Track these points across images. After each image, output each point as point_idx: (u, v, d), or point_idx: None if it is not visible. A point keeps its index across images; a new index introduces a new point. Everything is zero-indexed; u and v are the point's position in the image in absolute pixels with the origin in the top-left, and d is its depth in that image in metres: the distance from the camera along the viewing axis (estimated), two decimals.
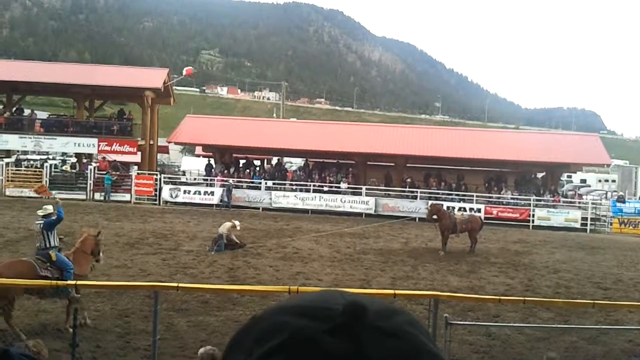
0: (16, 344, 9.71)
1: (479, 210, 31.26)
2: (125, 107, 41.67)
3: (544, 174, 38.57)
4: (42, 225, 11.09)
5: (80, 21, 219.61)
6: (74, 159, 41.38)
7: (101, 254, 12.10)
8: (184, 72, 42.64)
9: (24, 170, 36.50)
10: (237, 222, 21.21)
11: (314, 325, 0.76)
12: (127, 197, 34.19)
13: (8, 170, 34.57)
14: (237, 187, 34.49)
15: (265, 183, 34.68)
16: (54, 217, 11.22)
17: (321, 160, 38.26)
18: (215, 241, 20.09)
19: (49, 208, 11.40)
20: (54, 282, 9.57)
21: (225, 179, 35.00)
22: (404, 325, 0.81)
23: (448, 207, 26.29)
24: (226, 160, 38.32)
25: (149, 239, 21.51)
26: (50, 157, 46.43)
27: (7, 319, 10.14)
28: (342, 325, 0.76)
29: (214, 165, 37.46)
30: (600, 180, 52.84)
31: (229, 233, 20.31)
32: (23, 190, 33.52)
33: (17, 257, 16.56)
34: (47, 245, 11.01)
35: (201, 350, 6.65)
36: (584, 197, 37.95)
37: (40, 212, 11.39)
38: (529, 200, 33.17)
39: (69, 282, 10.33)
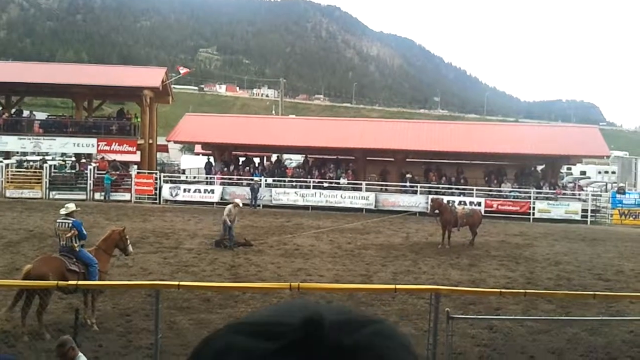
0: (18, 345, 9.73)
1: (479, 204, 31.31)
2: (124, 106, 41.66)
3: (543, 166, 38.57)
4: (69, 225, 11.22)
5: (78, 21, 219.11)
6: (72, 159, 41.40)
7: (130, 247, 12.30)
8: (181, 72, 42.74)
9: (24, 171, 36.50)
10: (238, 201, 21.55)
11: (264, 346, 0.70)
12: (127, 196, 34.18)
13: (8, 171, 34.58)
14: (237, 184, 34.56)
15: (265, 180, 34.68)
16: (82, 227, 11.50)
17: (321, 156, 38.25)
18: (222, 236, 20.08)
19: (71, 206, 11.59)
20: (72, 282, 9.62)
21: (225, 176, 35.06)
22: (372, 337, 0.73)
23: (448, 201, 26.31)
24: (226, 158, 38.32)
25: (150, 238, 21.52)
26: (50, 157, 46.44)
27: (39, 312, 10.34)
28: (295, 343, 0.70)
29: (213, 163, 37.46)
30: (600, 172, 52.83)
31: (232, 214, 20.30)
32: (23, 192, 33.55)
33: (17, 258, 16.63)
34: (72, 243, 11.23)
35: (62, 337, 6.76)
36: (584, 189, 37.92)
37: (62, 211, 11.59)
38: (529, 193, 33.17)
39: (91, 281, 10.73)
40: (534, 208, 32.50)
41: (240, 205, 21.64)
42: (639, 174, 45.85)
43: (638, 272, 18.08)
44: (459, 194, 33.24)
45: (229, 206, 20.83)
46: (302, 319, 0.72)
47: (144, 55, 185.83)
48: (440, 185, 34.00)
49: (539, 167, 38.72)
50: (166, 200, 34.06)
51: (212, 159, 38.29)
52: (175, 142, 41.11)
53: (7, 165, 34.97)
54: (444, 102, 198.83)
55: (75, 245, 11.13)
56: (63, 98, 48.78)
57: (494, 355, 10.14)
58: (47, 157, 43.17)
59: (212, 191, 34.18)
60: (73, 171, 36.65)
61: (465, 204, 29.53)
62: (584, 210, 32.55)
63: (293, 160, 47.84)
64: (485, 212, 29.38)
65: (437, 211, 22.37)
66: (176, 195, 34.20)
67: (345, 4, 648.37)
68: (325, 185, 34.54)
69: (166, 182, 35.21)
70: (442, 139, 35.77)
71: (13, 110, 39.21)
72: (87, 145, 35.91)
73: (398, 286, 11.47)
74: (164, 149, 46.96)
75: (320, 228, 25.23)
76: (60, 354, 6.27)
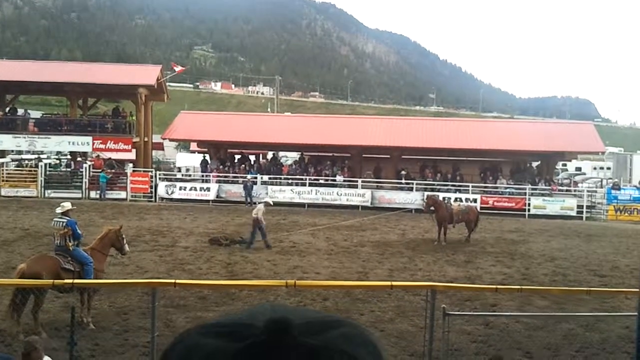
0: (15, 342, 9.72)
1: (475, 201, 31.37)
2: (119, 104, 41.55)
3: (539, 162, 38.64)
4: (64, 224, 11.15)
5: (72, 19, 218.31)
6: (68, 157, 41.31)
7: (126, 247, 12.25)
8: (176, 70, 42.67)
9: (19, 170, 36.37)
10: (269, 199, 21.57)
11: (229, 346, 0.71)
12: (122, 194, 34.14)
13: (3, 170, 34.47)
14: (233, 182, 34.52)
15: (261, 178, 34.63)
16: (77, 226, 11.43)
17: (316, 153, 38.23)
18: (253, 232, 19.98)
19: (66, 205, 11.49)
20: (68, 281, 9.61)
21: (221, 174, 35.04)
22: (337, 340, 0.74)
23: (444, 198, 26.36)
24: (221, 155, 38.26)
25: (146, 236, 21.50)
26: (45, 156, 46.30)
27: (35, 310, 10.31)
28: (261, 344, 0.71)
29: (209, 161, 37.41)
30: (595, 168, 53.00)
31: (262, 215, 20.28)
32: (18, 190, 33.45)
33: (13, 257, 16.59)
34: (66, 242, 11.16)
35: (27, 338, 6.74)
36: (579, 185, 38.02)
37: (58, 210, 11.49)
38: (525, 189, 33.23)
39: (88, 280, 10.72)
40: (529, 204, 32.58)
41: (271, 203, 21.73)
42: (634, 169, 46.03)
43: (633, 268, 18.11)
44: (455, 191, 33.31)
45: (260, 206, 20.76)
46: (267, 321, 0.74)
47: (138, 53, 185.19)
48: (436, 182, 34.04)
49: (535, 164, 38.78)
50: (162, 198, 34.01)
51: (207, 157, 38.24)
52: (171, 140, 41.09)
53: (1, 164, 34.83)
54: (440, 98, 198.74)
55: (70, 244, 11.08)
56: (58, 96, 48.57)
57: (490, 351, 10.15)
58: (42, 156, 43.07)
59: (208, 189, 34.15)
60: (68, 170, 36.57)
61: (461, 200, 29.59)
62: (580, 207, 32.64)
63: (289, 157, 47.82)
64: (481, 208, 29.43)
65: (432, 208, 22.42)
66: (172, 193, 34.16)
67: (340, 1, 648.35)
68: (321, 182, 34.53)
69: (162, 180, 35.15)
70: (438, 135, 35.79)
71: (7, 109, 39.07)
72: (82, 143, 35.80)
73: (394, 283, 11.49)
74: (160, 147, 46.87)
75: (317, 225, 25.23)
76: (24, 354, 6.23)
